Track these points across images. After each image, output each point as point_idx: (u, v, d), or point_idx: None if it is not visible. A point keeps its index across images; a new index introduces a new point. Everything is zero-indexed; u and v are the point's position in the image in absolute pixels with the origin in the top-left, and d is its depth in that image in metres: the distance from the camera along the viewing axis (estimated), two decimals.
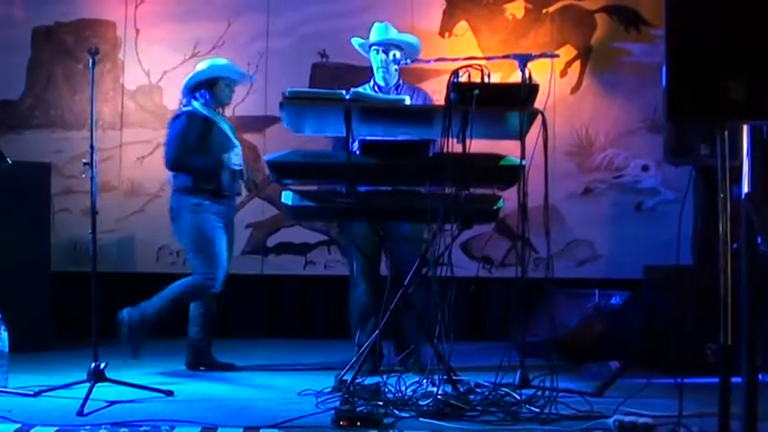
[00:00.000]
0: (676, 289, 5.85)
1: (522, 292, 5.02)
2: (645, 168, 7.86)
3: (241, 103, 7.82)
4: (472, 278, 6.97)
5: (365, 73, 5.86)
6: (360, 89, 5.66)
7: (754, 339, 3.34)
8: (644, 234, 7.70)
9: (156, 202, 7.75)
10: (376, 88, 5.74)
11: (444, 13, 7.94)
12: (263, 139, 7.82)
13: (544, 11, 7.93)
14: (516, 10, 7.96)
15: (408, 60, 5.57)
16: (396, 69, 5.73)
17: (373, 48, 5.76)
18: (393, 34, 5.74)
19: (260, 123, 7.85)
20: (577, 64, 7.92)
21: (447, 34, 7.92)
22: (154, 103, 7.94)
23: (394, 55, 5.68)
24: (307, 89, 5.43)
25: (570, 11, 7.95)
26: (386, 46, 5.72)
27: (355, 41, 5.88)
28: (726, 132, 3.25)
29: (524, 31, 7.93)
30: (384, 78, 5.74)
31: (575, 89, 7.90)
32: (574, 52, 7.92)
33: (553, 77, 5.09)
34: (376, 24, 5.81)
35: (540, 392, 4.56)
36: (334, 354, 6.19)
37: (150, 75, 7.95)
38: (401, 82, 5.82)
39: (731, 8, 3.14)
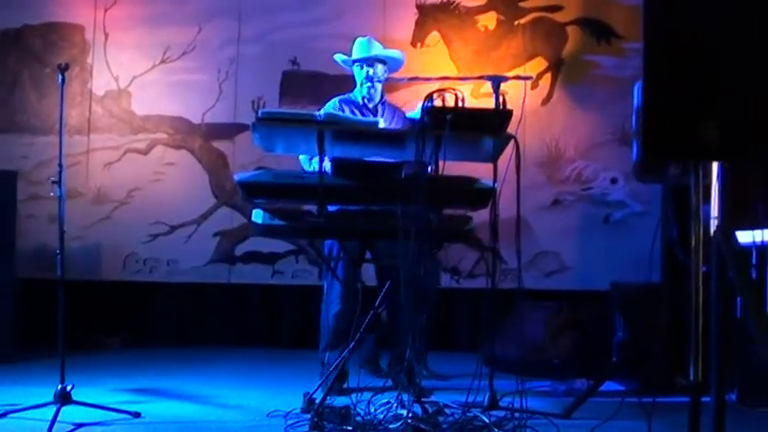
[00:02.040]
0: (645, 307, 5.86)
1: (491, 305, 5.00)
2: (613, 181, 7.88)
3: (210, 110, 7.78)
4: (442, 289, 6.98)
5: (336, 81, 5.86)
6: (337, 100, 5.65)
7: (723, 367, 3.36)
8: (612, 246, 7.74)
9: (124, 209, 7.72)
10: (362, 100, 5.68)
11: (416, 23, 7.92)
12: (233, 147, 7.77)
13: (516, 22, 7.93)
14: (488, 21, 7.96)
15: (383, 79, 5.54)
16: (380, 85, 5.69)
17: (357, 63, 5.71)
18: (378, 50, 5.70)
19: (229, 131, 7.81)
20: (548, 76, 7.93)
21: (419, 44, 7.90)
22: (122, 108, 7.87)
23: (377, 71, 5.65)
24: (279, 110, 5.36)
25: (542, 23, 7.95)
26: (371, 61, 5.68)
27: (338, 57, 5.82)
28: (699, 171, 3.25)
29: (496, 42, 7.93)
30: (369, 93, 5.69)
31: (545, 101, 7.91)
32: (545, 64, 7.93)
33: (525, 89, 5.06)
34: (360, 39, 5.76)
35: (508, 414, 4.57)
36: (301, 365, 6.16)
37: (119, 80, 7.89)
38: (384, 99, 5.78)
39: (704, 53, 3.14)
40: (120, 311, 7.64)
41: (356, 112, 5.62)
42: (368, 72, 5.68)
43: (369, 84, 5.66)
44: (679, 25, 3.16)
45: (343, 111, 5.55)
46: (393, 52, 5.79)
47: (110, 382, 5.51)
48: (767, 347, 3.44)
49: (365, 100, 5.69)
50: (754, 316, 3.44)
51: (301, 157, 5.51)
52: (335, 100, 5.71)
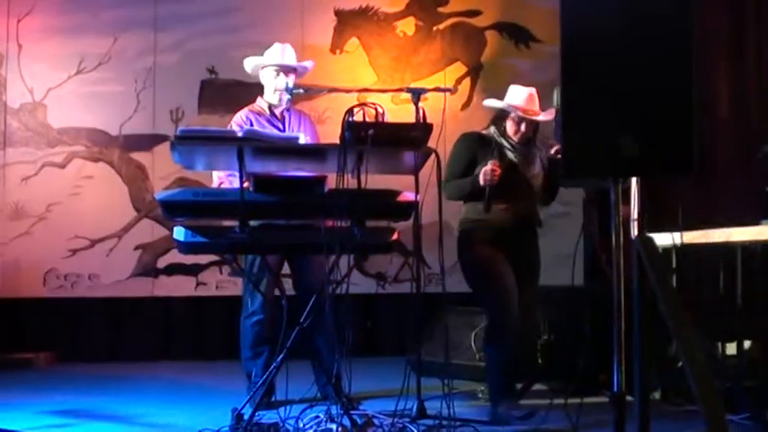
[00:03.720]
0: (569, 309, 5.95)
1: (416, 310, 5.05)
2: None
3: (128, 121, 7.71)
4: (367, 295, 7.01)
5: (255, 89, 5.77)
6: (243, 113, 5.59)
7: (646, 369, 3.44)
8: None
9: (43, 224, 7.62)
10: (269, 109, 5.62)
11: (335, 29, 7.94)
12: (152, 158, 7.72)
13: (435, 28, 8.00)
14: (407, 27, 8.01)
15: (302, 90, 5.50)
16: (289, 93, 5.62)
17: (271, 68, 5.63)
18: (292, 58, 5.65)
19: (148, 142, 7.77)
20: (468, 81, 8.02)
21: (338, 51, 7.92)
22: (38, 121, 7.76)
23: (290, 79, 5.60)
24: (198, 128, 5.30)
25: (460, 28, 8.03)
26: (285, 68, 5.62)
27: (249, 62, 5.72)
28: (620, 186, 3.32)
29: (415, 48, 8.00)
30: (280, 100, 5.62)
31: (465, 106, 8.00)
32: (464, 69, 8.02)
33: (444, 99, 5.11)
34: (277, 45, 5.67)
35: (436, 422, 4.61)
36: (228, 377, 6.14)
37: (34, 92, 7.78)
38: (290, 106, 5.73)
39: (622, 69, 3.19)
40: (42, 329, 7.54)
41: (263, 122, 5.56)
42: (282, 79, 5.60)
43: (282, 91, 5.59)
44: (595, 46, 3.22)
45: (251, 123, 5.49)
46: (306, 62, 5.76)
47: (34, 404, 5.43)
48: (685, 348, 3.51)
49: (272, 108, 5.65)
50: (673, 318, 3.51)
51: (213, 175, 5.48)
52: (241, 113, 5.63)
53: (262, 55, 5.65)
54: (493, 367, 5.12)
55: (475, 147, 5.20)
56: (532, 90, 5.31)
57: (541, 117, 5.20)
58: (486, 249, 5.15)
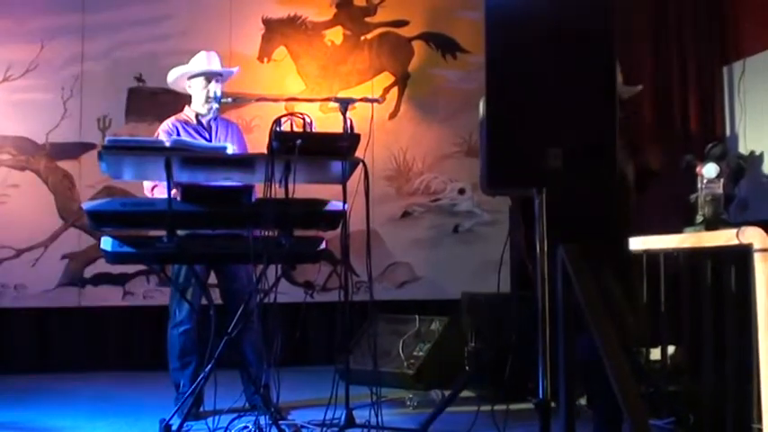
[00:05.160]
0: (495, 315, 5.99)
1: (344, 318, 5.04)
2: (461, 191, 8.05)
3: (55, 129, 7.60)
4: (295, 304, 6.97)
5: (183, 98, 5.72)
6: (169, 122, 5.54)
7: (571, 377, 3.47)
8: (462, 255, 7.91)
9: None
10: (196, 118, 5.57)
11: (263, 38, 7.91)
12: (79, 167, 7.60)
13: (362, 38, 8.02)
14: (335, 36, 8.02)
15: (230, 99, 5.45)
16: (218, 101, 5.56)
17: (197, 77, 5.58)
18: (218, 65, 5.61)
19: (75, 150, 7.63)
20: (395, 90, 8.05)
21: (266, 59, 7.90)
22: None
23: (218, 87, 5.55)
24: (126, 138, 5.27)
25: (388, 38, 8.06)
26: (212, 76, 5.57)
27: (174, 72, 5.63)
28: (544, 196, 3.35)
29: (343, 57, 8.00)
30: (208, 109, 5.57)
31: (393, 115, 8.03)
32: (392, 78, 8.05)
33: (372, 109, 5.12)
34: (202, 53, 5.61)
35: (366, 430, 4.62)
36: (156, 388, 6.08)
37: None
38: (217, 115, 5.68)
39: (546, 80, 3.22)
40: None
41: (190, 131, 5.51)
42: (209, 87, 5.56)
43: (211, 99, 5.54)
44: (519, 57, 3.25)
45: (178, 132, 5.44)
46: (232, 69, 5.73)
47: None
48: (608, 354, 3.55)
49: (200, 117, 5.61)
50: (595, 326, 3.54)
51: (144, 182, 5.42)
52: (168, 122, 5.57)
53: (187, 63, 5.60)
54: None
55: None
56: None
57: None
58: None
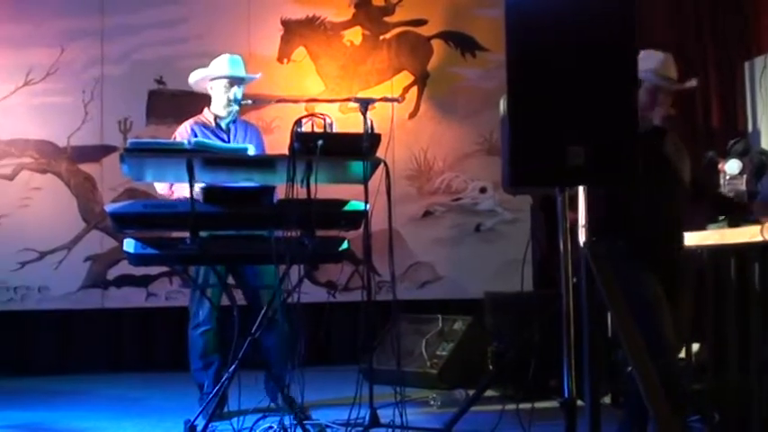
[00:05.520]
0: (518, 315, 5.96)
1: (367, 318, 5.04)
2: (482, 190, 8.04)
3: (76, 133, 7.63)
4: (317, 304, 6.98)
5: (203, 99, 5.73)
6: (188, 125, 5.55)
7: (596, 376, 3.47)
8: (484, 255, 7.90)
9: None
10: (215, 121, 5.59)
11: (282, 39, 7.93)
12: (101, 169, 7.64)
13: (381, 37, 8.03)
14: (354, 36, 8.03)
15: (251, 101, 5.47)
16: (238, 104, 5.59)
17: (218, 80, 5.60)
18: (241, 70, 5.62)
19: (96, 153, 7.67)
20: (415, 89, 8.05)
21: (285, 60, 7.91)
22: None
23: (239, 91, 5.57)
24: (148, 140, 5.27)
25: (407, 37, 8.06)
26: (232, 80, 5.59)
27: (195, 74, 5.64)
28: (566, 194, 3.34)
29: (362, 57, 8.01)
30: (228, 112, 5.59)
31: (413, 114, 8.03)
32: (411, 78, 8.05)
33: (392, 109, 5.13)
34: (225, 56, 5.60)
35: (390, 430, 4.62)
36: (179, 389, 6.10)
37: None
38: (236, 117, 5.71)
39: (568, 77, 3.21)
40: None
41: (208, 133, 5.52)
42: (230, 90, 5.57)
43: (231, 102, 5.56)
44: (540, 54, 3.24)
45: (195, 134, 5.46)
46: (254, 75, 5.74)
47: None
48: (634, 355, 3.54)
49: (218, 120, 5.63)
50: (620, 325, 3.54)
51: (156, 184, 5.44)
52: (187, 124, 5.59)
53: (207, 65, 5.61)
54: None
55: None
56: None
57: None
58: None
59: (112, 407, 5.97)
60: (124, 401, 6.17)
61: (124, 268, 7.46)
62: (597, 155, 3.16)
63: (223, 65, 5.58)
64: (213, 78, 5.59)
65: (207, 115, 5.64)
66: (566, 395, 3.48)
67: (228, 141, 5.53)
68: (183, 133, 5.50)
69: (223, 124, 5.61)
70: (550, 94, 3.22)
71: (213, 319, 5.48)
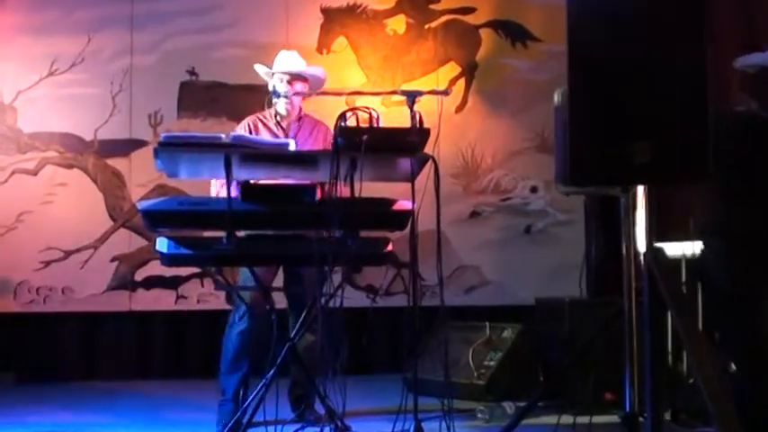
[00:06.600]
0: (572, 323, 5.94)
1: (412, 325, 5.03)
2: (533, 190, 8.00)
3: (104, 126, 7.68)
4: (357, 309, 6.98)
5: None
6: (247, 120, 5.60)
7: (659, 386, 3.45)
8: (534, 258, 7.86)
9: (13, 235, 7.55)
10: (275, 117, 5.63)
11: (321, 28, 7.93)
12: (129, 164, 7.68)
13: (426, 26, 8.01)
14: (397, 25, 8.01)
15: (291, 94, 5.49)
16: (299, 101, 5.63)
17: (277, 76, 5.64)
18: (300, 65, 5.65)
19: (125, 147, 7.71)
20: (462, 82, 8.02)
21: (325, 51, 7.91)
22: (7, 125, 7.68)
23: (296, 87, 5.60)
24: (183, 134, 5.27)
25: (454, 26, 8.04)
26: (292, 76, 5.62)
27: (259, 68, 5.71)
28: (630, 193, 3.32)
29: (406, 47, 7.99)
30: (286, 109, 5.63)
31: (459, 108, 8.00)
32: (458, 69, 8.02)
33: (441, 103, 5.09)
34: (283, 52, 5.67)
35: None
36: (209, 395, 6.12)
37: (3, 95, 7.70)
38: (303, 114, 5.73)
39: (632, 70, 3.20)
40: (12, 345, 7.48)
41: (265, 130, 5.57)
42: (288, 87, 5.60)
43: (286, 99, 5.59)
44: (603, 47, 3.22)
45: (250, 130, 5.50)
46: (315, 69, 5.76)
47: (3, 426, 5.40)
48: (700, 366, 3.51)
49: (278, 117, 5.65)
50: (686, 334, 3.52)
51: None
52: (248, 118, 5.64)
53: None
54: None
55: None
56: None
57: None
58: None
59: (140, 414, 6.00)
60: (152, 408, 6.19)
61: (153, 269, 7.51)
62: (666, 151, 3.14)
63: (278, 60, 5.64)
64: (274, 73, 5.65)
65: (270, 111, 5.68)
66: (627, 409, 3.47)
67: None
68: (242, 128, 5.57)
69: (284, 123, 5.63)
70: (614, 88, 3.21)
71: (247, 320, 5.47)
